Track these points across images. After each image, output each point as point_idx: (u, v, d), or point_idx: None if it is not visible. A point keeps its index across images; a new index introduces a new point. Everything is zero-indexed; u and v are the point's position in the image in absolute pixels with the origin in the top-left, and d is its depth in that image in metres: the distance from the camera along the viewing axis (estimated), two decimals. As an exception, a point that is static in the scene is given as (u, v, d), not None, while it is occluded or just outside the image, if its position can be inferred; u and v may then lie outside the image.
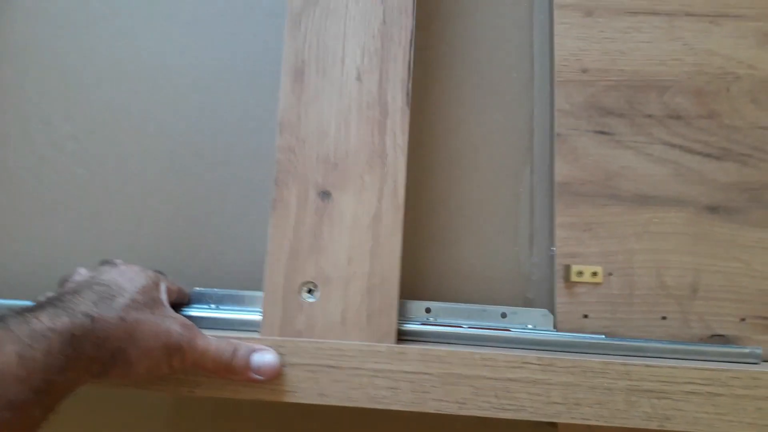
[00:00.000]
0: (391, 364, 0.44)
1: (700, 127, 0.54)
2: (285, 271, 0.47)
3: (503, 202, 0.57)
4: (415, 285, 0.56)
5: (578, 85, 0.55)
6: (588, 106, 0.55)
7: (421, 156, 0.57)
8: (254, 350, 0.45)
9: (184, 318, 0.44)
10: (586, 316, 0.52)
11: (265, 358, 0.44)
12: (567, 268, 0.53)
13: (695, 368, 0.43)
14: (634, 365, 0.43)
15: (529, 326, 0.52)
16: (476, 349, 0.46)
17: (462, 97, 0.58)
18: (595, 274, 0.53)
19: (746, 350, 0.49)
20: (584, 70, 0.55)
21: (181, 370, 0.43)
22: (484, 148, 0.58)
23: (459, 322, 0.51)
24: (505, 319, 0.52)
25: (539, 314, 0.53)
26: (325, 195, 0.47)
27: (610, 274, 0.53)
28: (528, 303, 0.56)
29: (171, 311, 0.44)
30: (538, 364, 0.44)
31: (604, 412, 0.43)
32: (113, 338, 0.39)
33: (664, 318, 0.52)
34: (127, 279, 0.43)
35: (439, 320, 0.51)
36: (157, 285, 0.44)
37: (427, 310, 0.52)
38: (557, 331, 0.51)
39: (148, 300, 0.42)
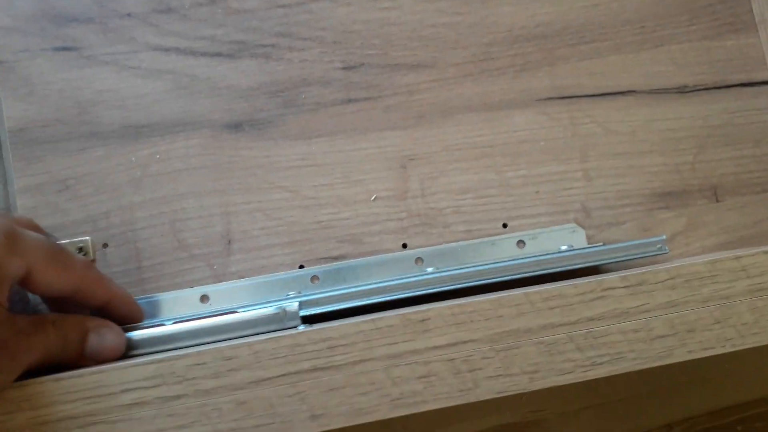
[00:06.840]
0: None
1: (201, 18, 0.39)
2: None
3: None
4: None
5: (22, -11, 0.38)
6: (39, 15, 0.38)
7: None
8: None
9: None
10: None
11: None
12: (36, 251, 0.36)
13: (126, 367, 0.28)
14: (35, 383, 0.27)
15: (563, 247, 0.37)
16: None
17: None
18: (81, 249, 0.37)
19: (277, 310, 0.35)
20: (26, -34, 0.38)
21: None
22: None
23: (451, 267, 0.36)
24: (524, 248, 0.38)
25: (567, 232, 0.38)
26: None
27: (106, 245, 0.37)
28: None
29: None
30: None
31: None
32: None
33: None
34: None
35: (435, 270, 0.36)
36: None
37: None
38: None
39: None
